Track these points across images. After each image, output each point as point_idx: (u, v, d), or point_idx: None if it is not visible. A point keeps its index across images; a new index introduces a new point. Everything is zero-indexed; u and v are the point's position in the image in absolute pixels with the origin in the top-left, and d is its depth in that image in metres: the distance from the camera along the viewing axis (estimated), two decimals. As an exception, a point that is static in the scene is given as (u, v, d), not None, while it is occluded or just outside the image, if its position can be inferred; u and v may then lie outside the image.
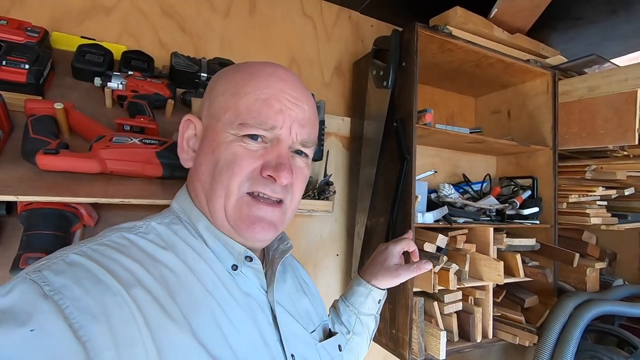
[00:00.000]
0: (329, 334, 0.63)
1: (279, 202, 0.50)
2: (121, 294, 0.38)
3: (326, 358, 0.57)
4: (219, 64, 1.00)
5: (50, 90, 0.78)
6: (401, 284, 0.95)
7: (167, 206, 0.56)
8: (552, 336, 1.06)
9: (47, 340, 0.33)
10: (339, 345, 0.63)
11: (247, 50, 1.17)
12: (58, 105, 0.68)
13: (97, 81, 0.80)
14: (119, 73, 0.82)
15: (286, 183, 0.48)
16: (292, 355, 0.49)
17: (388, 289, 0.80)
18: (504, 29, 1.25)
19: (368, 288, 0.76)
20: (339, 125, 1.29)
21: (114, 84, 0.80)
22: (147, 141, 0.71)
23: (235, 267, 0.49)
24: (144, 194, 0.71)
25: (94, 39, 0.90)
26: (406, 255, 0.87)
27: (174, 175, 0.74)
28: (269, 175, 0.47)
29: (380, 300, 0.78)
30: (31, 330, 0.32)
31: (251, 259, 0.50)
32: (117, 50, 0.91)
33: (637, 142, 1.12)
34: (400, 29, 1.10)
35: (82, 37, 0.90)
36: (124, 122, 0.74)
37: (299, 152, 0.52)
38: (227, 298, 0.46)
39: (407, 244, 0.83)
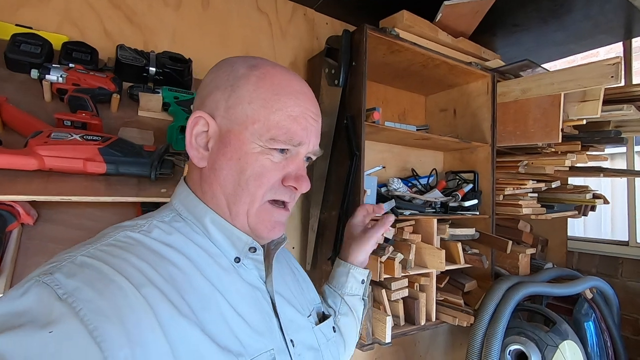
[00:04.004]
0: (322, 317, 0.66)
1: (286, 204, 0.55)
2: (133, 294, 0.40)
3: (322, 340, 0.61)
4: (169, 58, 0.98)
5: (-19, 81, 0.74)
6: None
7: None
8: (485, 316, 1.17)
9: (66, 342, 0.34)
10: (333, 327, 0.66)
11: (201, 44, 1.15)
12: (-11, 99, 0.65)
13: (34, 73, 0.77)
14: (58, 65, 0.79)
15: (306, 191, 0.53)
16: (292, 341, 0.53)
17: None
18: (449, 33, 1.33)
19: (347, 267, 0.77)
20: (294, 121, 1.32)
21: (53, 76, 0.77)
22: (90, 137, 0.69)
23: (237, 260, 0.52)
24: (86, 191, 0.70)
25: (31, 28, 0.85)
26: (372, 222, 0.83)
27: (119, 172, 0.73)
28: (290, 185, 0.52)
29: (363, 280, 0.78)
30: (50, 332, 0.33)
31: (255, 250, 0.53)
32: (57, 40, 0.87)
33: (560, 141, 1.25)
34: (351, 29, 1.14)
35: (17, 24, 0.85)
36: (63, 117, 0.72)
37: (307, 159, 0.56)
38: (231, 290, 0.49)
39: (363, 210, 0.82)
